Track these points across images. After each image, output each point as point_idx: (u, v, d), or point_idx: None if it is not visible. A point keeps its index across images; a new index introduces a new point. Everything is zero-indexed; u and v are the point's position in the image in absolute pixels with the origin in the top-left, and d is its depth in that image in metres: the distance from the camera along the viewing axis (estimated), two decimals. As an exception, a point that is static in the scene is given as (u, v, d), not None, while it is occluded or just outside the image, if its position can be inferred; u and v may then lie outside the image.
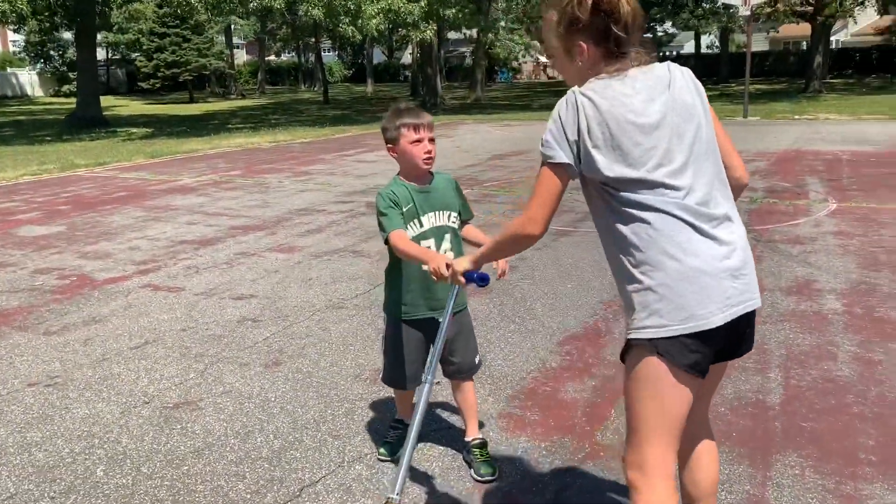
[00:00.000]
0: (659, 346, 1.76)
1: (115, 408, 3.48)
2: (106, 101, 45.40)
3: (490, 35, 30.42)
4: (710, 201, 1.78)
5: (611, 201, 1.80)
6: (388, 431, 3.08)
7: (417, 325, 2.77)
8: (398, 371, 2.84)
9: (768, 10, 29.96)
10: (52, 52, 53.68)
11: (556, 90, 47.59)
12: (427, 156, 2.68)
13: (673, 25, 57.53)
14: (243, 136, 18.69)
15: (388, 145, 2.75)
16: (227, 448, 3.09)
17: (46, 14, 24.72)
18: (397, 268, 2.77)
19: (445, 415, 3.36)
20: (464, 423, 2.94)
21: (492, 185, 9.80)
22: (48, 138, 21.32)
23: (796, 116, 19.54)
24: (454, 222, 2.82)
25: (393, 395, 3.11)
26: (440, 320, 2.42)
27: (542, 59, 75.10)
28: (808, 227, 6.82)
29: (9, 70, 59.09)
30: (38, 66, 56.23)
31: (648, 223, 1.75)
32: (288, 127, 21.77)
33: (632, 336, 1.82)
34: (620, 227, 1.79)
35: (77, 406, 3.51)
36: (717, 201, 1.80)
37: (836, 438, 3.01)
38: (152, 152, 14.95)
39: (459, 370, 2.84)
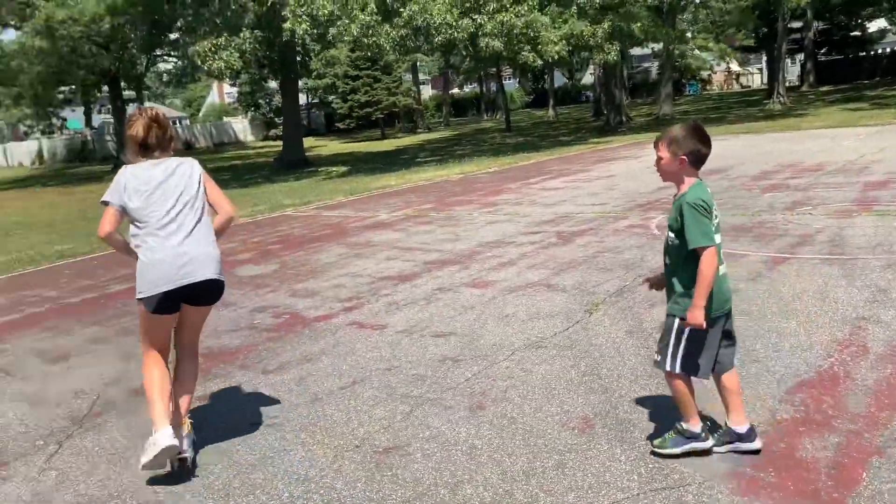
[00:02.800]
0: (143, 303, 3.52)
1: (330, 451, 3.57)
2: (307, 142, 49.16)
3: (681, 46, 29.16)
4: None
5: None
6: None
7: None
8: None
9: None
10: (260, 101, 59.22)
11: (750, 100, 44.74)
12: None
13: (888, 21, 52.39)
14: (432, 170, 19.31)
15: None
16: (437, 499, 3.04)
17: (257, 68, 27.22)
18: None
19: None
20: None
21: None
22: (259, 180, 23.37)
23: None
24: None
25: (592, 453, 2.90)
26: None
27: (735, 67, 71.22)
28: None
29: (225, 119, 66.05)
30: (250, 114, 62.26)
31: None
32: (473, 157, 22.21)
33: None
34: None
35: (294, 448, 3.64)
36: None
37: None
38: (350, 189, 15.84)
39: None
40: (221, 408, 4.26)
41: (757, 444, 3.11)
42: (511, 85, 68.59)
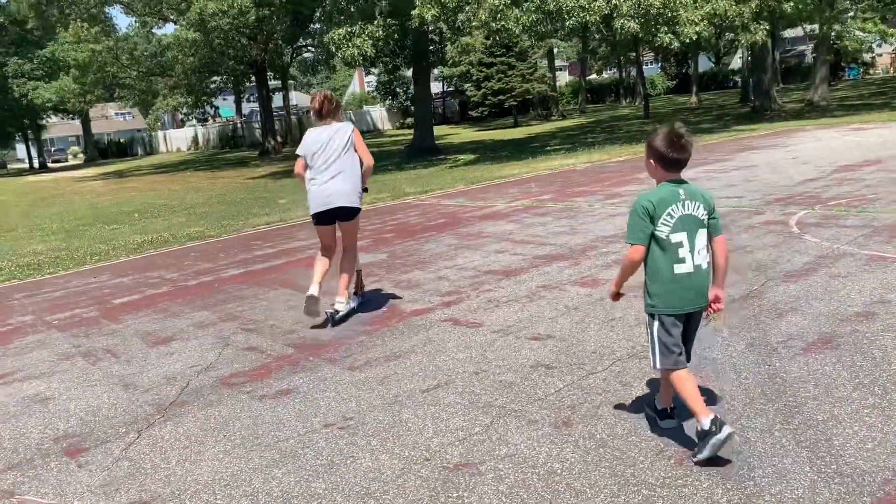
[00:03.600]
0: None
1: (397, 462, 3.32)
2: (441, 130, 49.68)
3: (837, 26, 26.70)
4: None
5: None
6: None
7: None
8: None
9: None
10: (397, 90, 60.34)
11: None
12: None
13: None
14: (559, 158, 18.73)
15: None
16: (500, 532, 2.70)
17: (390, 56, 27.58)
18: None
19: None
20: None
21: (838, 203, 8.26)
22: (389, 168, 23.70)
23: None
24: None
25: (688, 490, 2.45)
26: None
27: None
28: None
29: (364, 108, 67.89)
30: (387, 102, 63.64)
31: None
32: (605, 145, 21.37)
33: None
34: None
35: (362, 455, 3.42)
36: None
37: None
38: (472, 178, 15.62)
39: None
40: (298, 405, 4.11)
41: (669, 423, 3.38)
42: (653, 70, 65.89)
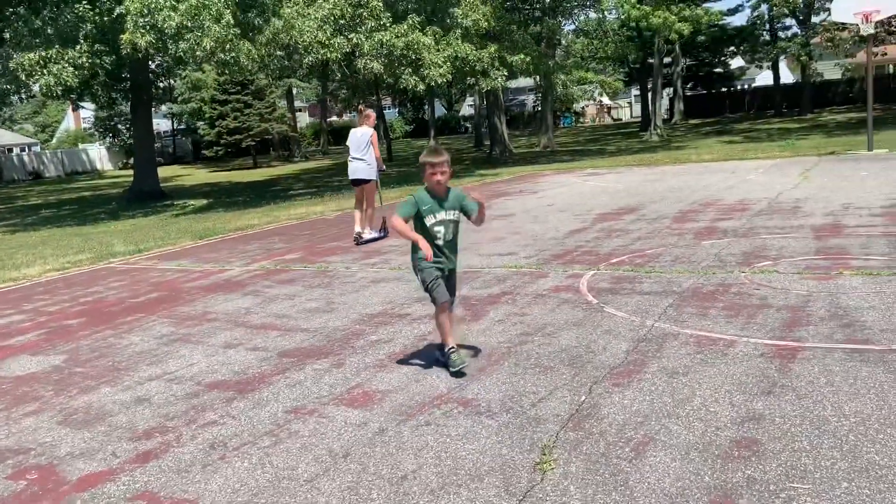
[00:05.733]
0: None
1: None
2: (172, 170, 45.32)
3: (561, 76, 28.29)
4: None
5: None
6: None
7: None
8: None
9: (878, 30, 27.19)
10: (119, 126, 54.42)
11: (626, 132, 45.15)
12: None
13: (745, 60, 54.95)
14: (305, 205, 16.92)
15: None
16: None
17: (102, 88, 23.86)
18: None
19: None
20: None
21: (619, 261, 7.45)
22: (102, 216, 20.18)
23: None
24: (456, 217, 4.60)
25: None
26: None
27: (605, 100, 72.92)
28: None
29: (80, 146, 60.44)
30: (107, 140, 57.19)
31: None
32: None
33: None
34: None
35: None
36: None
37: None
38: (202, 231, 13.20)
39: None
40: None
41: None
42: (391, 114, 66.93)
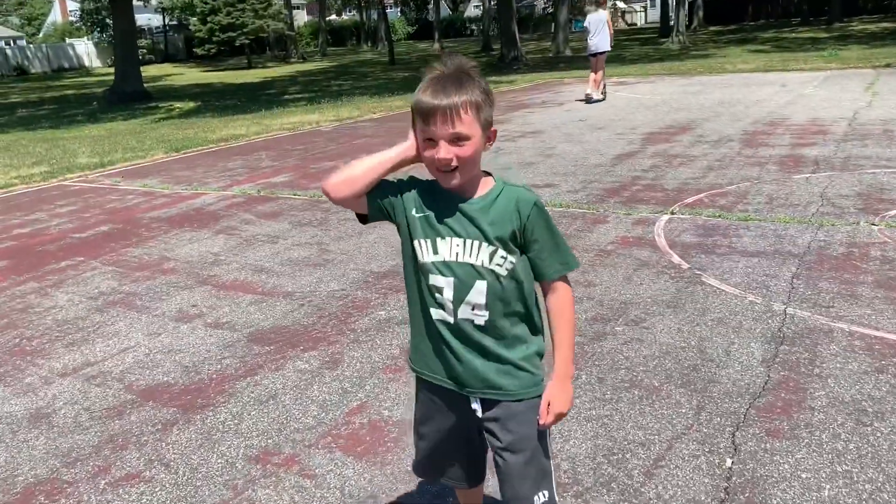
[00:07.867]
0: None
1: None
2: (163, 69, 42.71)
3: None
4: None
5: None
6: None
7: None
8: None
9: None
10: (108, 21, 51.26)
11: (640, 38, 42.28)
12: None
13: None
14: (300, 113, 15.06)
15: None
16: None
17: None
18: None
19: None
20: None
21: (697, 199, 5.82)
22: (79, 118, 18.30)
23: None
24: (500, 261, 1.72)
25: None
26: None
27: (620, 3, 69.01)
28: None
29: (67, 41, 57.30)
30: (94, 35, 54.17)
31: None
32: (353, 96, 18.04)
33: None
34: None
35: None
36: None
37: None
38: (180, 141, 11.46)
39: None
40: None
41: None
42: (393, 14, 63.34)
